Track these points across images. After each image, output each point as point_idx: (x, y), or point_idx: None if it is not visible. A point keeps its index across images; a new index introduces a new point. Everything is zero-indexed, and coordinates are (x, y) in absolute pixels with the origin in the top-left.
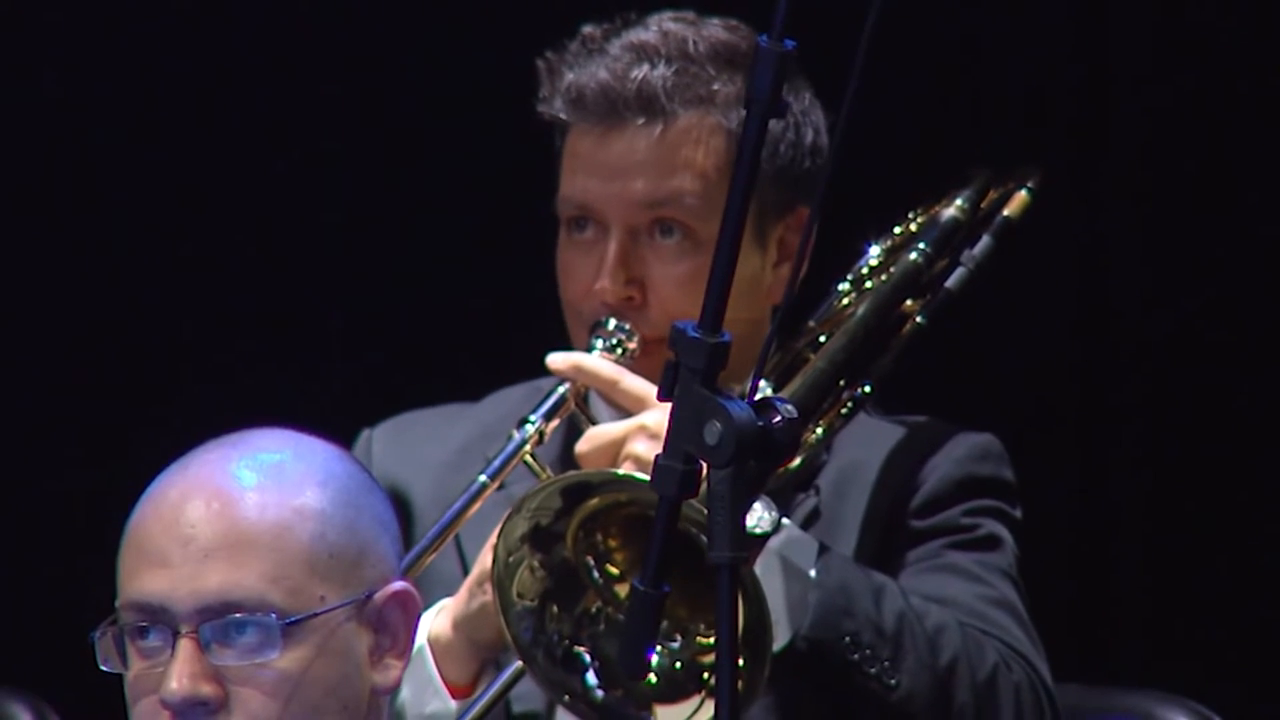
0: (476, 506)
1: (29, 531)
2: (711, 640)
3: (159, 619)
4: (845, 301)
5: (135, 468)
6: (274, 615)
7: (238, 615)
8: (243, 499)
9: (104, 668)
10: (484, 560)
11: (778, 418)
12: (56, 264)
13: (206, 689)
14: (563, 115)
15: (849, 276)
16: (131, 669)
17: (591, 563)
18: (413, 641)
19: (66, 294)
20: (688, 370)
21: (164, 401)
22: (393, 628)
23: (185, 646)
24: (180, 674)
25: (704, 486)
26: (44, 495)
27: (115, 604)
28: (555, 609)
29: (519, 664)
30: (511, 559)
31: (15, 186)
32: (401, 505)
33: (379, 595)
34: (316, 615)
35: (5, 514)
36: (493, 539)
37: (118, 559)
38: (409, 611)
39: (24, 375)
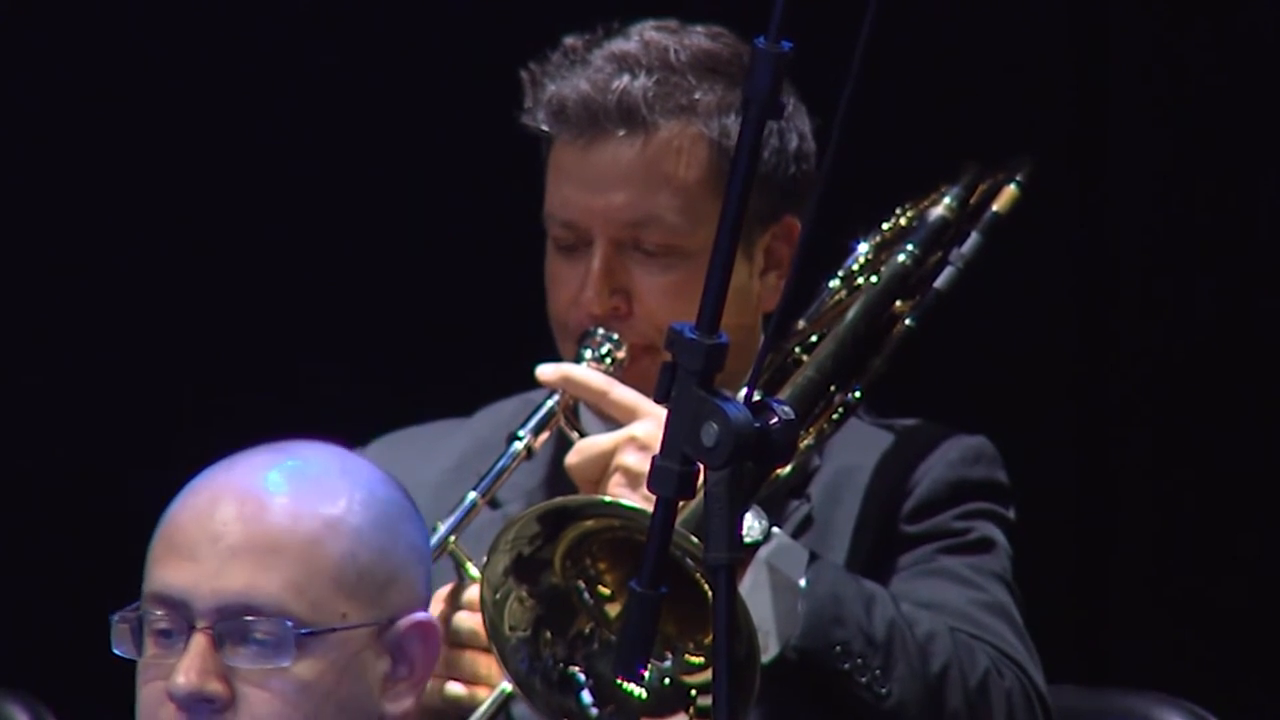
0: (468, 523)
1: (27, 533)
2: (699, 660)
3: (178, 611)
4: (836, 299)
5: (132, 472)
6: (290, 623)
7: (254, 619)
8: (279, 505)
9: (117, 651)
10: None
11: (775, 419)
12: (55, 273)
13: (214, 686)
14: (545, 127)
15: (839, 273)
16: (145, 654)
17: (582, 586)
18: (429, 675)
19: (67, 302)
20: (685, 371)
21: (161, 415)
22: (411, 658)
23: (199, 641)
24: (189, 668)
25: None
26: (43, 497)
27: (142, 591)
28: (549, 635)
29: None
30: (498, 596)
31: (23, 192)
32: None
33: (402, 623)
34: (335, 631)
35: (4, 516)
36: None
37: (149, 548)
38: (429, 644)
39: (26, 385)
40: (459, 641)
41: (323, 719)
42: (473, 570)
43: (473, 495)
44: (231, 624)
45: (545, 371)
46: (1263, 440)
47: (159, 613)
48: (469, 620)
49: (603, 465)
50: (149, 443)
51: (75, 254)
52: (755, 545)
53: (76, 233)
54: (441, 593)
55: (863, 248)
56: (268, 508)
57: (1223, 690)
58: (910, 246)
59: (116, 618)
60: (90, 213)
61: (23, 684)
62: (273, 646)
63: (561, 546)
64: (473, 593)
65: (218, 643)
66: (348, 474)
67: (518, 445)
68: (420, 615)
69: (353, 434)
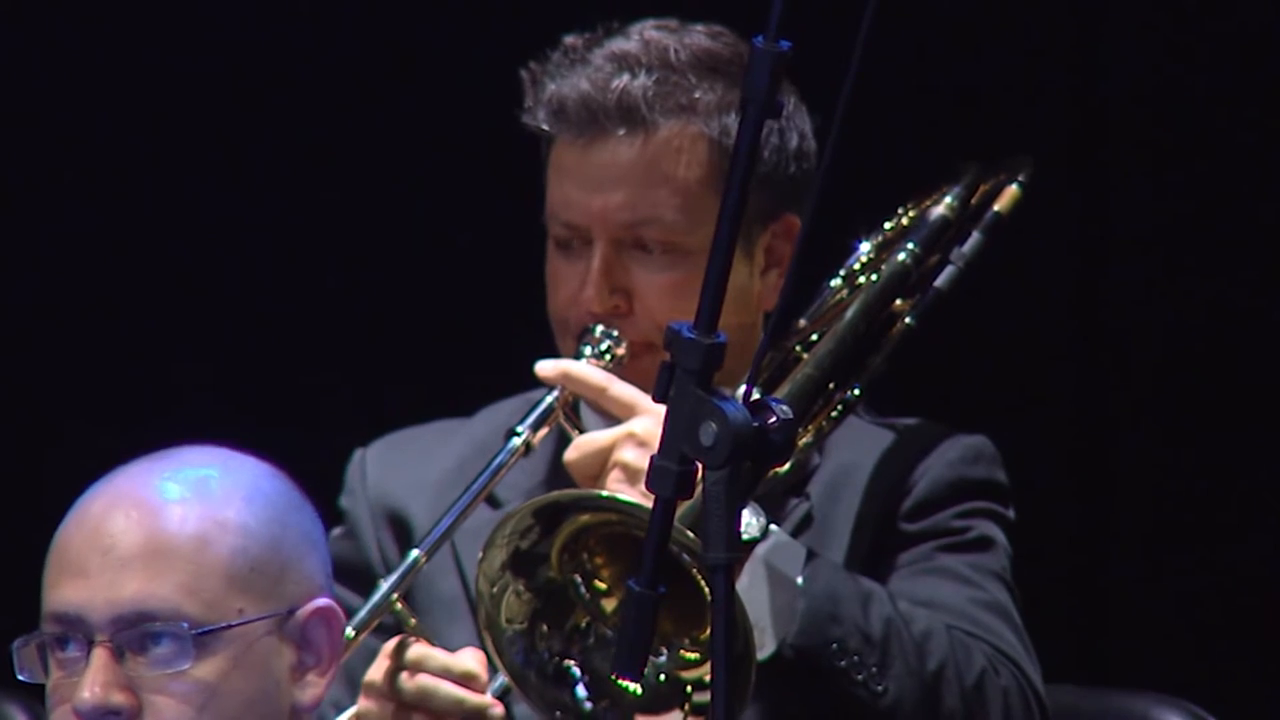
0: (466, 520)
1: (23, 532)
2: (695, 655)
3: (76, 629)
4: (837, 298)
5: None
6: (186, 624)
7: (151, 625)
8: (164, 510)
9: (21, 678)
10: (373, 674)
11: (773, 418)
12: (42, 267)
13: (118, 698)
14: (545, 126)
15: (840, 273)
16: (51, 678)
17: (579, 580)
18: (336, 659)
19: (59, 300)
20: (683, 371)
21: (155, 415)
22: (316, 645)
23: (99, 655)
24: (92, 683)
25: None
26: (39, 496)
27: (40, 614)
28: (545, 628)
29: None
30: (495, 589)
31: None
32: (400, 525)
33: (301, 611)
34: (231, 627)
35: (2, 515)
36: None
37: (43, 572)
38: (333, 628)
39: (18, 385)
40: (403, 700)
41: (232, 716)
42: (414, 623)
43: (415, 553)
44: (130, 634)
45: (544, 367)
46: (1263, 440)
47: (58, 633)
48: (411, 681)
49: (601, 461)
50: (141, 448)
51: (73, 251)
52: (753, 542)
53: (59, 229)
54: (388, 647)
55: (864, 247)
56: (154, 514)
57: (1223, 690)
58: (911, 245)
59: (18, 644)
60: (89, 210)
61: (22, 684)
62: (172, 651)
63: (558, 541)
64: (416, 651)
65: (118, 654)
66: (231, 472)
67: (516, 441)
68: (320, 601)
69: (354, 435)
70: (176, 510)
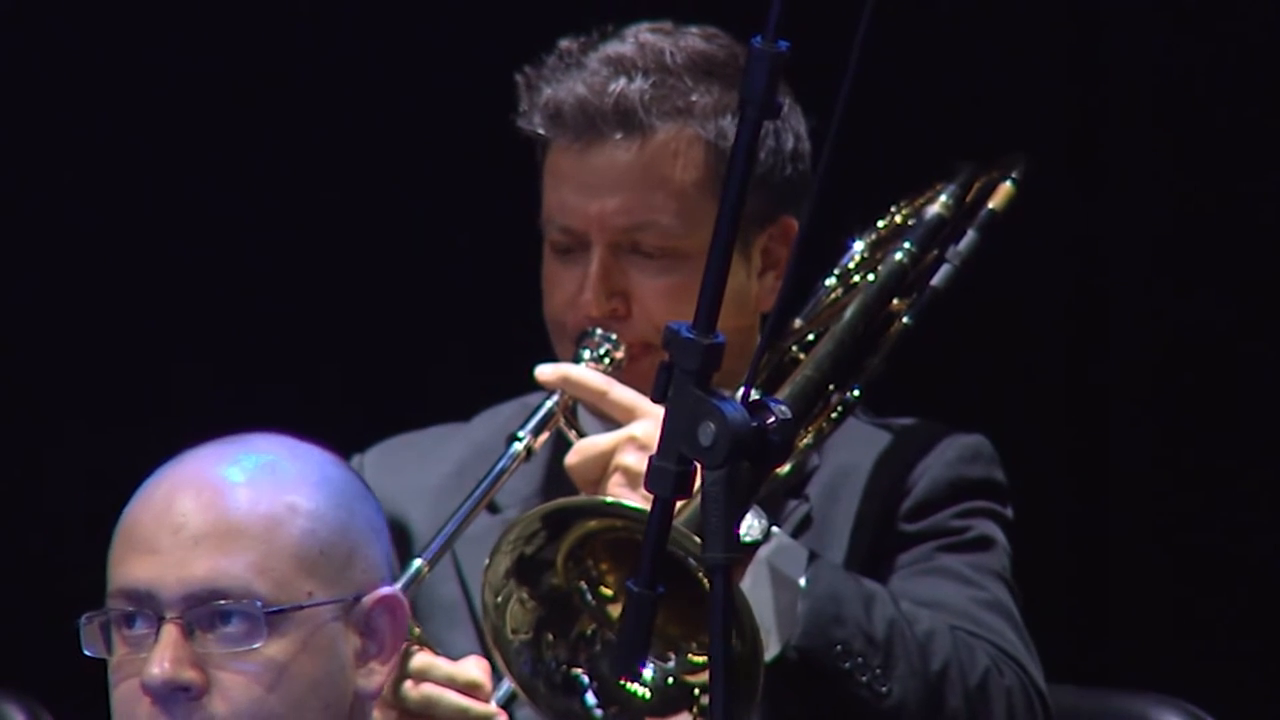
0: (468, 527)
1: (23, 532)
2: (703, 659)
3: (146, 605)
4: (832, 298)
5: (125, 476)
6: (259, 603)
7: (223, 603)
8: (234, 492)
9: (87, 652)
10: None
11: (771, 418)
12: (48, 265)
13: (189, 674)
14: (541, 131)
15: (835, 272)
16: (115, 654)
17: (584, 587)
18: (399, 649)
19: (60, 298)
20: (682, 372)
21: (155, 415)
22: (380, 633)
23: (169, 632)
24: (162, 658)
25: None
26: (38, 496)
27: (106, 592)
28: (551, 636)
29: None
30: (499, 598)
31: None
32: (399, 532)
33: (368, 599)
34: (302, 608)
35: (1, 515)
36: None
37: (109, 551)
38: (397, 618)
39: (18, 385)
40: (407, 709)
41: (297, 699)
42: (418, 633)
43: (418, 563)
44: (200, 611)
45: (544, 372)
46: (1261, 439)
47: (127, 609)
48: (415, 690)
49: (602, 465)
50: (143, 449)
51: (73, 251)
52: (755, 545)
53: (62, 227)
54: None
55: (858, 246)
56: (225, 495)
57: (1222, 690)
58: (907, 244)
59: (85, 619)
60: (89, 210)
61: (20, 684)
62: (243, 629)
63: (564, 547)
64: (420, 660)
65: (188, 631)
66: (298, 458)
67: (517, 446)
68: (385, 590)
69: (351, 440)
70: (246, 492)
